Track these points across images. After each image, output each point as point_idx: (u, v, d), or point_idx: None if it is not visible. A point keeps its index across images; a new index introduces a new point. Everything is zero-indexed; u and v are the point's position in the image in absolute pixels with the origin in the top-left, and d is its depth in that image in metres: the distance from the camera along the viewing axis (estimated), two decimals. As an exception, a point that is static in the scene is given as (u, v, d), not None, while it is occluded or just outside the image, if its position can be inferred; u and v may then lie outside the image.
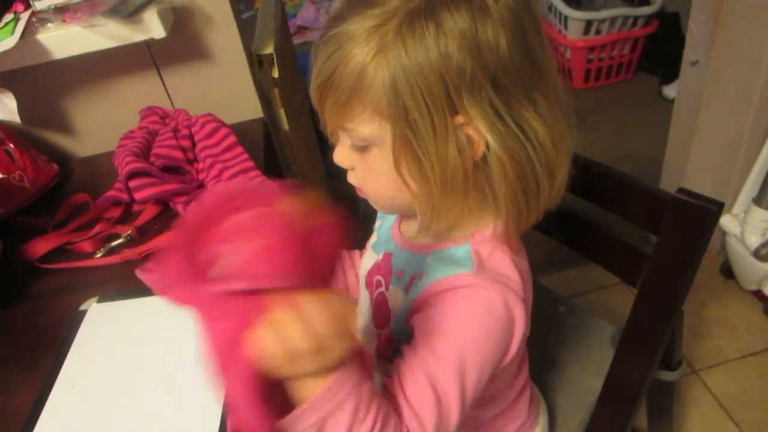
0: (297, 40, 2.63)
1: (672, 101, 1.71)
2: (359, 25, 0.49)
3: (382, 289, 0.66)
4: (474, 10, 0.47)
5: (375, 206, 0.63)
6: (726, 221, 1.49)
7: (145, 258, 0.82)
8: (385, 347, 0.65)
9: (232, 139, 0.92)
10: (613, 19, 2.30)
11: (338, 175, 0.62)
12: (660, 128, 1.67)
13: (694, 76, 1.41)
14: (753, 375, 1.40)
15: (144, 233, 0.87)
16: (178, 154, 0.90)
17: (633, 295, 0.72)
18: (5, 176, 0.92)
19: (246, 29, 1.08)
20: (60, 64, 0.92)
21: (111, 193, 0.89)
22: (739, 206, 1.49)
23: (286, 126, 1.16)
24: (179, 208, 0.86)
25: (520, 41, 0.49)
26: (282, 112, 1.14)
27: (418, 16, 0.47)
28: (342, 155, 0.57)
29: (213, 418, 0.59)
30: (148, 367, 0.67)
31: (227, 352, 0.42)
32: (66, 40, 0.89)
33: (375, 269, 0.69)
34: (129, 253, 0.82)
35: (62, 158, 1.09)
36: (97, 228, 0.88)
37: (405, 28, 0.47)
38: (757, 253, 1.41)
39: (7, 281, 0.83)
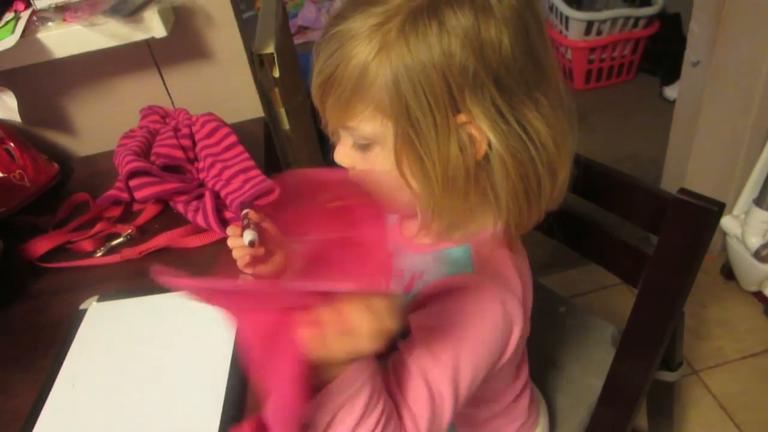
0: (298, 40, 2.64)
1: (673, 102, 1.71)
2: (361, 24, 0.49)
3: None
4: (477, 9, 0.47)
5: (375, 206, 0.63)
6: (727, 222, 1.49)
7: (146, 257, 0.82)
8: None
9: (233, 138, 0.91)
10: (614, 20, 2.30)
11: (338, 174, 0.62)
12: (661, 129, 1.67)
13: (695, 76, 1.41)
14: (753, 376, 1.40)
15: (144, 232, 0.87)
16: (179, 154, 0.90)
17: (633, 295, 0.72)
18: (5, 175, 0.92)
19: (247, 29, 1.08)
20: (60, 63, 0.92)
21: (111, 192, 0.89)
22: (739, 207, 1.49)
23: (286, 125, 1.16)
24: (179, 207, 0.86)
25: (523, 41, 0.49)
26: (282, 112, 1.14)
27: (421, 15, 0.47)
28: (343, 154, 0.57)
29: (213, 416, 0.59)
30: (148, 366, 0.67)
31: (278, 339, 0.41)
32: (66, 39, 0.89)
33: None
34: (129, 252, 0.82)
35: (63, 157, 1.08)
36: (98, 227, 0.88)
37: (408, 26, 0.47)
38: (757, 255, 1.41)
39: (8, 280, 0.83)
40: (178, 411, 0.61)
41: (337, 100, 0.51)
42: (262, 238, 0.72)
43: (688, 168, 1.53)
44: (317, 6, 2.78)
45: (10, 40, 0.85)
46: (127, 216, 0.91)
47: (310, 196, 0.43)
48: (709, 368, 1.42)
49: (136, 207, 0.92)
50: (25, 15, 0.89)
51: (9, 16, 0.90)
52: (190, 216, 0.84)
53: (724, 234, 1.53)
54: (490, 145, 0.51)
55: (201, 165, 0.91)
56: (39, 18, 0.89)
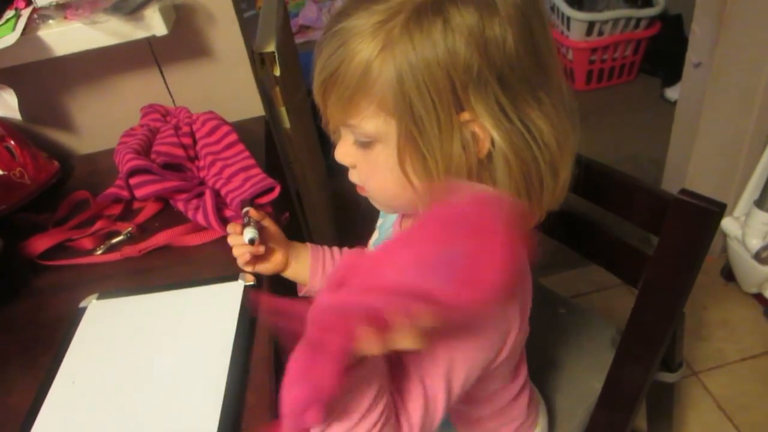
0: (299, 40, 2.64)
1: (674, 103, 1.71)
2: (365, 21, 0.49)
3: None
4: (482, 7, 0.47)
5: (376, 205, 0.63)
6: (727, 224, 1.49)
7: (146, 255, 0.82)
8: None
9: (234, 137, 0.91)
10: (615, 21, 2.30)
11: (339, 174, 0.62)
12: (662, 130, 1.67)
13: (696, 78, 1.41)
14: (753, 378, 1.40)
15: (144, 230, 0.87)
16: (179, 152, 0.90)
17: (633, 296, 0.72)
18: (6, 173, 0.92)
19: (248, 28, 1.08)
20: (61, 61, 0.92)
21: (111, 190, 0.89)
22: (740, 209, 1.49)
23: (287, 124, 1.16)
24: (180, 205, 0.86)
25: (527, 39, 0.49)
26: (283, 111, 1.14)
27: (425, 12, 0.47)
28: (344, 153, 0.57)
29: (212, 414, 0.59)
30: (147, 364, 0.67)
31: (337, 328, 0.41)
32: (67, 36, 0.89)
33: None
34: (129, 250, 0.82)
35: (63, 155, 1.08)
36: (98, 225, 0.88)
37: (412, 23, 0.47)
38: (758, 256, 1.41)
39: (8, 278, 0.83)
40: (178, 409, 0.61)
41: (339, 98, 0.51)
42: (263, 236, 0.72)
43: (689, 169, 1.53)
44: (318, 5, 2.78)
45: (10, 38, 0.85)
46: (127, 214, 0.91)
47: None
48: (708, 370, 1.42)
49: (136, 205, 0.92)
50: (25, 13, 0.89)
51: (10, 13, 0.90)
52: (190, 214, 0.84)
53: (725, 235, 1.53)
54: (493, 143, 0.50)
55: (201, 163, 0.91)
56: (40, 16, 0.89)
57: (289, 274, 0.78)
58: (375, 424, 0.47)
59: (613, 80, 2.48)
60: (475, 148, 0.51)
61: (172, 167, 0.89)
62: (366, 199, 0.62)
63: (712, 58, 1.33)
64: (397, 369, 0.51)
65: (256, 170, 0.86)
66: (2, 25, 0.87)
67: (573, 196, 0.65)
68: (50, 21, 0.89)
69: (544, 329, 0.80)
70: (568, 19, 2.32)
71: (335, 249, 0.81)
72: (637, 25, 2.35)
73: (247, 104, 1.09)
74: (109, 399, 0.64)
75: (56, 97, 1.06)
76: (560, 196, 0.57)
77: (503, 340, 0.56)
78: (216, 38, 1.03)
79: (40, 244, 0.85)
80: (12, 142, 0.94)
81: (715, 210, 0.61)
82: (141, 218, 0.89)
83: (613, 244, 0.79)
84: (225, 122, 0.94)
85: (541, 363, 0.85)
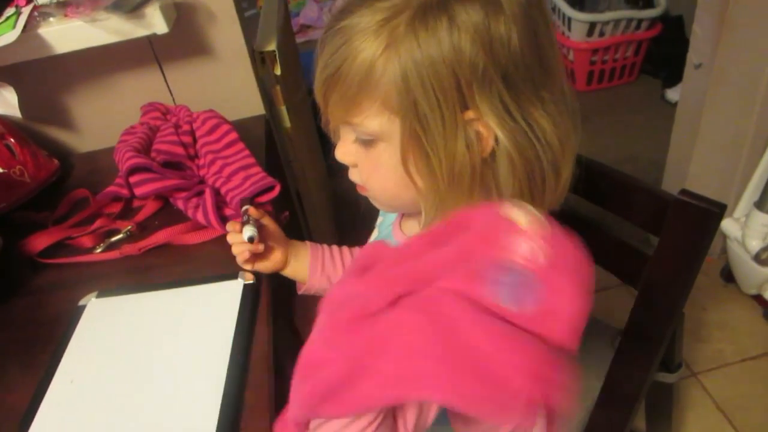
0: (300, 39, 2.64)
1: (675, 104, 1.71)
2: (368, 19, 0.48)
3: None
4: (487, 5, 0.47)
5: (377, 204, 0.63)
6: (727, 225, 1.49)
7: (145, 253, 0.82)
8: None
9: (234, 135, 0.91)
10: (616, 22, 2.30)
11: (339, 173, 0.62)
12: (662, 131, 1.67)
13: (697, 79, 1.41)
14: (752, 379, 1.40)
15: (144, 229, 0.87)
16: (179, 150, 0.90)
17: (633, 296, 0.72)
18: (5, 171, 0.91)
19: (249, 27, 1.07)
20: (61, 58, 0.92)
21: (111, 188, 0.88)
22: (740, 210, 1.49)
23: (287, 123, 1.16)
24: (179, 204, 0.86)
25: (531, 38, 0.49)
26: (284, 110, 1.14)
27: (431, 10, 0.47)
28: (345, 152, 0.57)
29: (211, 413, 0.59)
30: (146, 363, 0.67)
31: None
32: (68, 34, 0.89)
33: None
34: (129, 249, 0.82)
35: (63, 153, 1.08)
36: (97, 223, 0.88)
37: (417, 21, 0.47)
38: (757, 258, 1.41)
39: (7, 276, 0.83)
40: (176, 408, 0.61)
41: (342, 96, 0.51)
42: (262, 234, 0.72)
43: (689, 170, 1.53)
44: (319, 5, 2.78)
45: (11, 36, 0.85)
46: (127, 212, 0.91)
47: None
48: (708, 371, 1.42)
49: (136, 203, 0.92)
50: (26, 10, 0.89)
51: (10, 11, 0.90)
52: (190, 213, 0.84)
53: (725, 237, 1.53)
54: (496, 142, 0.50)
55: (201, 162, 0.91)
56: (40, 13, 0.89)
57: (288, 272, 0.78)
58: (374, 420, 0.47)
59: (613, 81, 2.48)
60: (478, 147, 0.50)
61: (172, 166, 0.89)
62: (366, 199, 0.61)
63: (713, 59, 1.33)
64: None
65: (256, 169, 0.86)
66: (3, 22, 0.87)
67: (573, 196, 0.65)
68: (51, 19, 0.89)
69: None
70: (569, 19, 2.32)
71: (334, 247, 0.81)
72: (638, 26, 2.35)
73: (248, 103, 1.09)
74: (108, 397, 0.64)
75: (56, 95, 1.06)
76: (561, 195, 0.57)
77: None
78: (217, 37, 1.03)
79: (40, 242, 0.85)
80: (12, 140, 0.94)
81: (715, 211, 0.61)
82: (141, 216, 0.89)
83: (613, 244, 0.79)
84: (225, 121, 0.94)
85: (540, 363, 0.85)
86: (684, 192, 0.63)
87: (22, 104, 0.93)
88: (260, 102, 1.11)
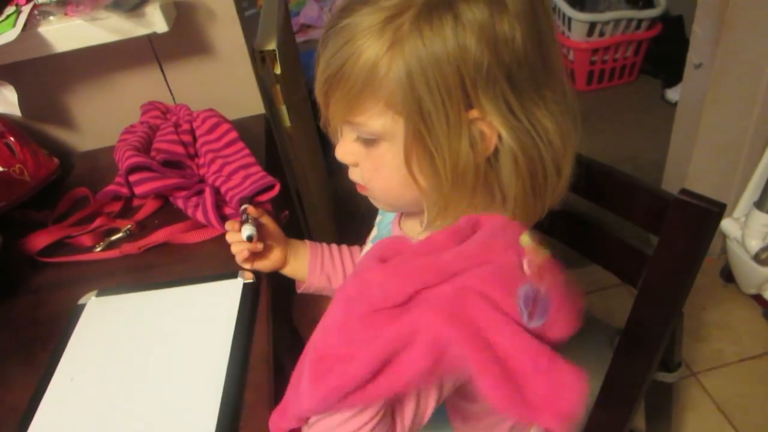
0: (300, 38, 2.64)
1: (675, 104, 1.71)
2: (372, 18, 0.48)
3: None
4: (492, 4, 0.47)
5: (376, 204, 0.62)
6: (727, 225, 1.49)
7: (145, 252, 0.82)
8: None
9: (234, 134, 0.91)
10: (617, 22, 2.30)
11: (339, 172, 0.62)
12: (662, 131, 1.67)
13: (697, 79, 1.41)
14: (752, 379, 1.40)
15: (144, 228, 0.87)
16: (179, 149, 0.90)
17: (633, 296, 0.72)
18: (5, 169, 0.91)
19: (249, 26, 1.07)
20: (61, 57, 0.91)
21: (111, 187, 0.88)
22: (740, 210, 1.49)
23: (287, 123, 1.16)
24: (179, 203, 0.86)
25: (535, 37, 0.49)
26: (284, 109, 1.14)
27: (435, 8, 0.47)
28: (346, 151, 0.57)
29: (211, 412, 0.59)
30: (146, 362, 0.67)
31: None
32: (68, 33, 0.89)
33: None
34: (128, 248, 0.82)
35: (63, 152, 1.08)
36: (97, 222, 0.87)
37: (422, 19, 0.47)
38: (757, 257, 1.41)
39: (7, 274, 0.83)
40: (176, 407, 0.61)
41: (345, 95, 0.51)
42: (261, 233, 0.72)
43: (689, 170, 1.53)
44: (319, 4, 2.78)
45: (11, 34, 0.84)
46: (126, 211, 0.91)
47: None
48: (707, 370, 1.42)
49: (135, 202, 0.92)
50: (26, 9, 0.89)
51: (10, 9, 0.90)
52: (189, 212, 0.84)
53: (724, 237, 1.53)
54: (500, 140, 0.50)
55: (201, 161, 0.91)
56: (40, 12, 0.89)
57: (287, 271, 0.78)
58: (373, 418, 0.47)
59: (613, 81, 2.48)
60: (482, 146, 0.50)
61: (172, 164, 0.89)
62: (365, 198, 0.61)
63: (713, 59, 1.33)
64: None
65: (256, 168, 0.86)
66: (3, 21, 0.87)
67: (573, 196, 0.65)
68: (51, 17, 0.89)
69: (543, 329, 0.80)
70: (570, 19, 2.32)
71: (333, 246, 0.81)
72: (638, 26, 2.35)
73: (248, 102, 1.09)
74: (108, 396, 0.64)
75: (56, 94, 1.06)
76: (561, 194, 0.57)
77: None
78: (217, 36, 1.03)
79: (40, 241, 0.85)
80: (12, 139, 0.94)
81: (715, 210, 0.61)
82: (140, 215, 0.89)
83: (612, 244, 0.79)
84: (225, 120, 0.94)
85: (539, 363, 0.85)
86: (684, 191, 0.63)
87: (22, 103, 0.93)
88: (260, 101, 1.11)
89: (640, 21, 2.32)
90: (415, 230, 0.64)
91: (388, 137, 0.52)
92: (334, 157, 0.59)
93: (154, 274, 0.80)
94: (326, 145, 0.61)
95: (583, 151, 0.59)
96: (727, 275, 1.59)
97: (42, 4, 0.88)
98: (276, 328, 0.71)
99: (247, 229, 0.70)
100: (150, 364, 0.66)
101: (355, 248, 0.81)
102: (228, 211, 0.83)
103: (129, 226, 0.86)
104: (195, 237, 0.83)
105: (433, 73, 0.47)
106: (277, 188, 0.83)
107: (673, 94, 2.25)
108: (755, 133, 1.44)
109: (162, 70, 1.06)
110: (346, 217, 1.62)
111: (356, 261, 0.79)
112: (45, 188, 0.97)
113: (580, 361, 0.93)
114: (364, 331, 0.45)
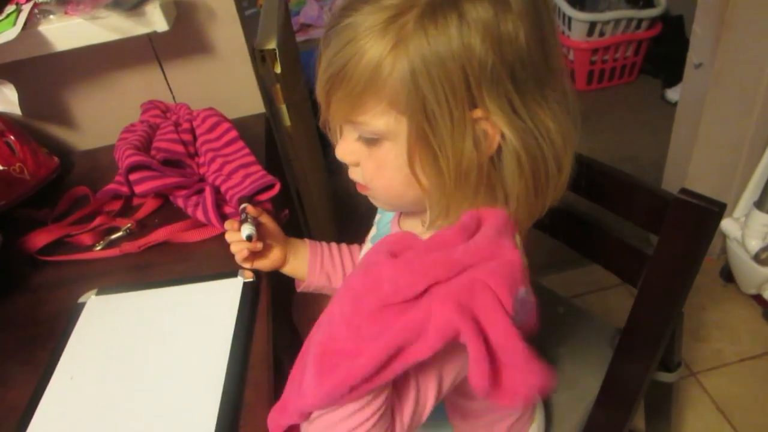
0: (300, 38, 2.63)
1: (675, 104, 1.71)
2: (375, 17, 0.48)
3: None
4: (496, 3, 0.47)
5: (377, 203, 0.62)
6: (727, 225, 1.49)
7: (145, 251, 0.82)
8: None
9: (234, 133, 0.91)
10: (617, 21, 2.30)
11: (339, 172, 0.62)
12: (662, 131, 1.67)
13: (697, 79, 1.41)
14: (751, 379, 1.40)
15: (144, 226, 0.87)
16: (179, 148, 0.90)
17: (633, 296, 0.72)
18: (5, 168, 0.91)
19: (249, 25, 1.07)
20: (61, 56, 0.91)
21: (111, 186, 0.88)
22: (740, 210, 1.49)
23: (287, 122, 1.16)
24: (179, 202, 0.86)
25: (538, 36, 0.49)
26: (284, 108, 1.14)
27: (440, 7, 0.46)
28: (347, 151, 0.56)
29: (210, 411, 0.59)
30: (146, 360, 0.67)
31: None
32: (68, 32, 0.89)
33: None
34: (128, 246, 0.82)
35: (63, 151, 1.08)
36: (97, 221, 0.87)
37: (427, 18, 0.46)
38: (757, 257, 1.41)
39: (7, 273, 0.83)
40: (176, 405, 0.61)
41: (347, 95, 0.50)
42: (260, 232, 0.72)
43: (689, 170, 1.53)
44: (320, 4, 2.78)
45: (11, 33, 0.84)
46: (126, 210, 0.91)
47: None
48: (707, 370, 1.43)
49: (135, 201, 0.92)
50: (26, 8, 0.89)
51: (10, 8, 0.89)
52: (189, 211, 0.84)
53: (724, 237, 1.53)
54: (503, 140, 0.50)
55: (201, 160, 0.91)
56: (40, 11, 0.89)
57: (287, 270, 0.78)
58: (374, 414, 0.47)
59: (613, 81, 2.48)
60: (485, 146, 0.50)
61: (172, 163, 0.89)
62: (365, 197, 0.61)
63: (713, 59, 1.33)
64: None
65: (256, 167, 0.86)
66: (3, 20, 0.87)
67: (573, 195, 0.65)
68: (51, 16, 0.89)
69: (543, 329, 0.79)
70: (570, 19, 2.32)
71: (333, 245, 0.81)
72: (638, 26, 2.35)
73: (248, 101, 1.09)
74: (108, 394, 0.64)
75: (56, 93, 1.06)
76: (561, 191, 0.57)
77: None
78: (217, 35, 1.03)
79: (40, 239, 0.85)
80: (12, 138, 0.94)
81: (715, 210, 0.61)
82: (140, 214, 0.89)
83: (612, 244, 0.79)
84: (225, 119, 0.94)
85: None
86: (684, 191, 0.63)
87: (22, 101, 0.93)
88: (260, 100, 1.11)
89: (640, 21, 2.32)
90: (415, 229, 0.64)
91: (391, 137, 0.52)
92: (334, 157, 0.58)
93: (154, 272, 0.80)
94: (326, 145, 0.61)
95: (583, 150, 0.59)
96: (727, 275, 1.59)
97: (42, 3, 0.88)
98: (276, 327, 0.71)
99: (247, 229, 0.70)
100: (150, 363, 0.66)
101: (355, 247, 0.81)
102: (228, 210, 0.83)
103: (129, 224, 0.86)
104: (195, 236, 0.83)
105: (437, 72, 0.47)
106: (277, 187, 0.83)
107: (673, 94, 2.25)
108: (755, 133, 1.44)
109: (162, 69, 1.06)
110: (346, 216, 1.62)
111: (356, 260, 0.79)
112: (45, 187, 0.97)
113: (580, 361, 0.93)
114: (374, 326, 0.45)
